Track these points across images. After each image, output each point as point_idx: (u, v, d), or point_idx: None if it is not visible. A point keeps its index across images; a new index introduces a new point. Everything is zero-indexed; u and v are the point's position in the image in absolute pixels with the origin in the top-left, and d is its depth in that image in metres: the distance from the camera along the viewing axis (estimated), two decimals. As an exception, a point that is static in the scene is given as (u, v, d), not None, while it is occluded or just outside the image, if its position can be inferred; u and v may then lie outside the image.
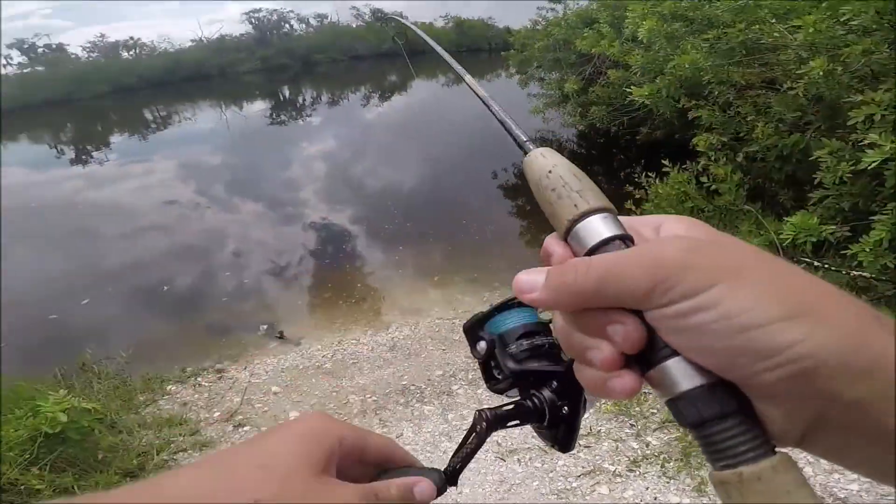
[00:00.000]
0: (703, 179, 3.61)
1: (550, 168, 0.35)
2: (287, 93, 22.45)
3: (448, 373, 3.52)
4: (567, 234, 0.32)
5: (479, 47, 27.72)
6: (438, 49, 0.77)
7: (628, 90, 4.09)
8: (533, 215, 6.83)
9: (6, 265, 6.80)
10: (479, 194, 7.71)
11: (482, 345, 0.38)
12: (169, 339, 4.63)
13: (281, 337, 4.38)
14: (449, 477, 0.37)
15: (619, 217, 0.32)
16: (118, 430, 2.89)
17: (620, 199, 5.28)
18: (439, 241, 6.11)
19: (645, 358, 0.27)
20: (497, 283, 4.83)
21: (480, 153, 9.57)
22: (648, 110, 4.82)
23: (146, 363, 4.03)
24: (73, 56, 29.04)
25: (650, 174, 3.96)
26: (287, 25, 32.18)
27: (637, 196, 4.01)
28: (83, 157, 13.75)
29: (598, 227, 0.30)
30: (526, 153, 0.40)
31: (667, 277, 0.25)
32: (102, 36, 30.19)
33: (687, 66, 3.57)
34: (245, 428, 3.08)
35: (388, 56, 27.66)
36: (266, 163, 10.80)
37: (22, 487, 2.07)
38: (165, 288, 5.62)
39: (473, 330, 0.40)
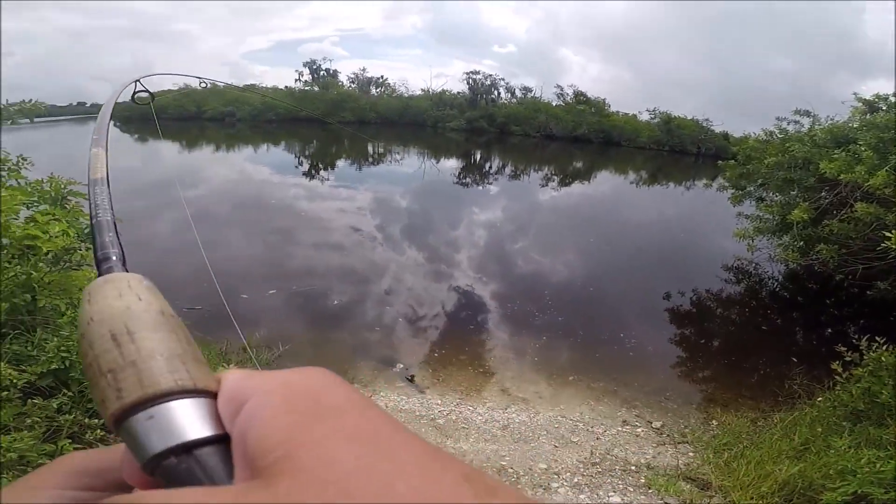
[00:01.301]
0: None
1: (84, 329, 0.23)
2: (478, 156, 24.37)
3: (553, 469, 3.30)
4: (115, 427, 0.21)
5: (684, 149, 25.88)
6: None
7: (885, 235, 3.33)
8: (697, 349, 6.12)
9: (227, 239, 8.58)
10: (643, 309, 7.11)
11: None
12: (321, 345, 5.24)
13: (411, 380, 4.61)
14: None
15: (231, 374, 0.22)
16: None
17: (823, 358, 4.48)
18: (588, 344, 5.79)
19: None
20: (638, 404, 4.46)
21: (656, 269, 8.95)
22: None
23: (294, 361, 4.60)
24: (341, 83, 35.65)
25: (878, 339, 3.22)
26: (496, 92, 34.64)
27: (848, 358, 3.32)
28: (313, 172, 16.80)
29: (146, 435, 0.20)
30: (100, 273, 0.30)
31: None
32: (364, 70, 37.16)
33: None
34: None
35: (579, 141, 28.10)
36: (439, 217, 11.75)
37: None
38: (332, 298, 6.37)
39: None
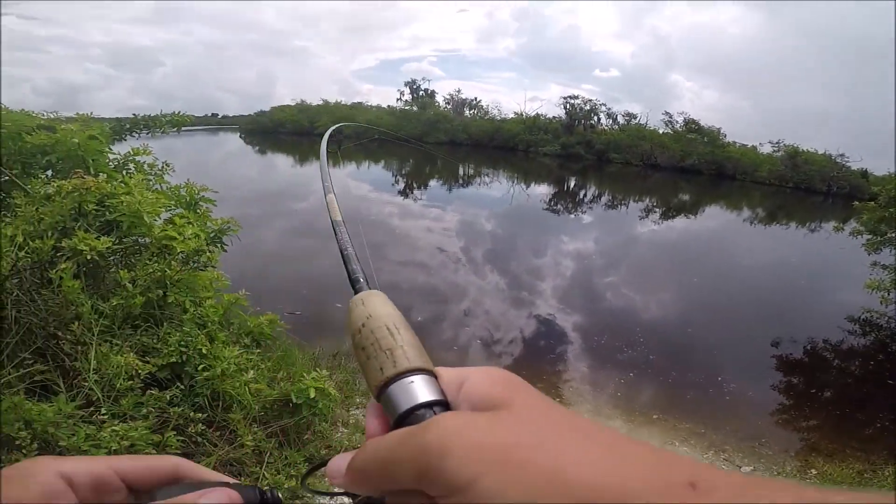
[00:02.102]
0: None
1: (363, 321, 0.33)
2: (572, 183, 23.77)
3: None
4: (378, 396, 0.30)
5: (812, 187, 22.80)
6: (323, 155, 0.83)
7: None
8: (804, 398, 5.49)
9: (325, 250, 9.20)
10: (747, 355, 6.51)
11: None
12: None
13: None
14: (264, 500, 0.35)
15: (441, 371, 0.30)
16: (326, 420, 3.42)
17: None
18: (679, 385, 5.45)
19: None
20: (728, 448, 4.13)
21: (766, 312, 8.24)
22: None
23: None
24: (437, 104, 37.35)
25: None
26: (596, 118, 33.02)
27: None
28: (407, 191, 17.56)
29: (407, 394, 0.29)
30: (356, 290, 0.39)
31: (429, 467, 0.24)
32: (459, 91, 38.45)
33: None
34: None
35: (687, 171, 26.07)
36: (524, 244, 11.61)
37: (240, 440, 2.63)
38: (414, 315, 6.59)
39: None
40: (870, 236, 7.25)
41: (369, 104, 38.39)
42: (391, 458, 0.26)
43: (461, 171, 24.77)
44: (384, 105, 38.10)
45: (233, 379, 2.82)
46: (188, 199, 3.72)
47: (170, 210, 3.47)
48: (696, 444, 4.17)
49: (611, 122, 32.87)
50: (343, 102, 37.51)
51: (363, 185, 17.69)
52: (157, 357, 2.71)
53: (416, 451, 0.24)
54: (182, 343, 2.79)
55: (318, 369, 3.08)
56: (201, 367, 2.77)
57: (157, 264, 3.08)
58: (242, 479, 2.56)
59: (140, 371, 2.51)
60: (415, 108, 35.99)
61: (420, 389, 0.29)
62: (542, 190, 20.88)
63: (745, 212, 19.12)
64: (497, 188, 20.08)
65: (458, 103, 37.72)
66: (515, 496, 0.21)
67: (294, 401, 2.82)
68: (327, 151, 0.94)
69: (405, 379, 0.29)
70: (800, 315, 8.18)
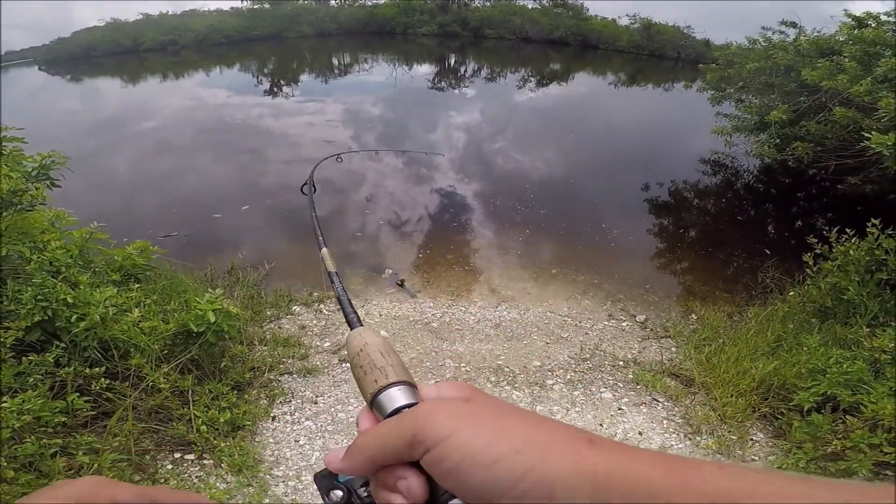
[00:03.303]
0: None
1: (361, 347, 0.41)
2: (452, 61, 22.75)
3: (546, 366, 3.34)
4: (371, 404, 0.37)
5: (663, 54, 24.49)
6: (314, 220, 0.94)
7: (864, 135, 3.44)
8: (675, 239, 6.17)
9: (194, 164, 8.08)
10: (623, 202, 7.11)
11: (337, 493, 0.39)
12: (307, 260, 4.93)
13: (401, 285, 4.47)
14: None
15: (420, 385, 0.38)
16: (239, 341, 3.19)
17: (794, 251, 4.59)
18: (570, 236, 5.78)
19: (433, 500, 0.31)
20: (622, 297, 4.49)
21: (635, 162, 8.91)
22: (870, 160, 4.10)
23: (282, 279, 4.43)
24: None
25: (847, 230, 3.27)
26: None
27: (818, 251, 3.38)
28: (275, 89, 15.49)
29: (394, 398, 0.36)
30: (351, 328, 0.47)
31: (419, 430, 0.30)
32: None
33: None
34: (346, 365, 3.21)
35: (556, 43, 26.43)
36: (415, 123, 11.12)
37: (149, 384, 2.30)
38: (322, 214, 6.09)
39: (327, 479, 0.40)
40: (713, 92, 8.12)
41: (207, 10, 31.22)
42: (389, 432, 0.32)
43: (336, 62, 22.24)
44: (226, 8, 31.33)
45: (118, 322, 2.42)
46: None
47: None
48: (595, 296, 4.45)
49: None
50: (171, 13, 30.11)
51: (219, 91, 15.03)
52: (16, 320, 2.22)
53: (409, 422, 0.31)
54: (39, 297, 2.28)
55: (211, 290, 2.77)
56: (74, 317, 2.32)
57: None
58: (174, 423, 2.33)
59: (2, 339, 2.05)
60: (266, 6, 30.68)
61: (405, 394, 0.37)
62: (425, 69, 19.58)
63: (609, 76, 20.02)
64: (378, 73, 18.36)
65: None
66: (481, 441, 0.29)
67: (194, 329, 2.53)
68: (315, 211, 0.99)
69: (393, 388, 0.37)
70: (662, 161, 8.98)
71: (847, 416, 2.32)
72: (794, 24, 7.00)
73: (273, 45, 25.84)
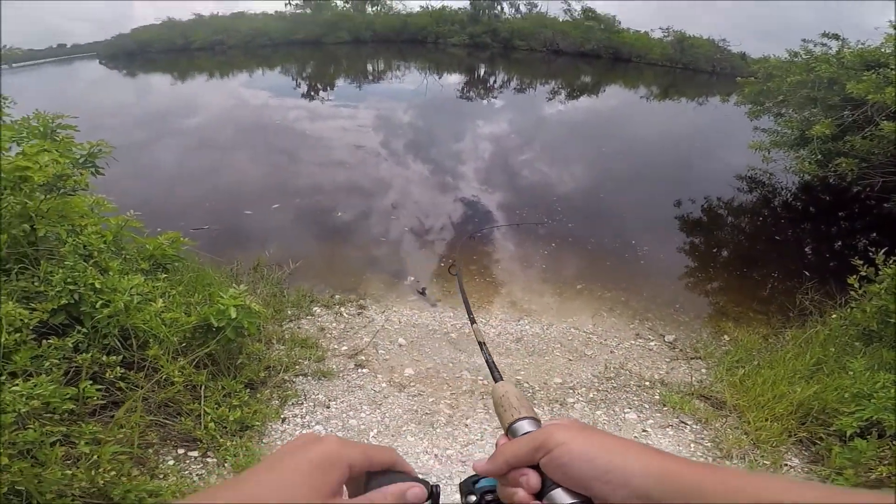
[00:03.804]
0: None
1: (503, 393, 0.55)
2: (482, 71, 22.75)
3: (568, 384, 3.19)
4: (507, 430, 0.51)
5: (698, 68, 24.15)
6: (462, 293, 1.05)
7: None
8: (708, 258, 5.89)
9: (231, 161, 8.25)
10: (654, 219, 6.84)
11: (472, 497, 0.51)
12: (332, 262, 4.97)
13: (423, 293, 4.39)
14: (432, 493, 0.47)
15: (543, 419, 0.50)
16: (257, 339, 3.16)
17: (835, 273, 4.39)
18: (597, 251, 5.59)
19: (542, 492, 0.43)
20: (650, 316, 4.28)
21: (667, 177, 8.63)
22: None
23: (305, 279, 4.39)
24: (334, 4, 32.71)
25: None
26: (499, 7, 32.05)
27: (864, 273, 3.18)
28: (311, 93, 15.78)
29: (524, 426, 0.50)
30: (496, 381, 0.60)
31: (544, 440, 0.43)
32: None
33: None
34: (364, 370, 3.12)
35: (587, 56, 26.20)
36: (443, 131, 11.10)
37: (163, 377, 2.26)
38: (339, 214, 6.12)
39: (466, 486, 0.52)
40: (751, 106, 7.87)
41: (254, 13, 32.38)
42: (522, 442, 0.45)
43: (370, 68, 22.59)
44: (271, 12, 32.41)
45: (141, 311, 2.41)
46: (42, 129, 3.21)
47: (21, 143, 3.03)
48: (622, 314, 4.26)
49: (514, 11, 32.78)
50: (221, 14, 31.34)
51: (260, 92, 15.38)
52: (44, 302, 2.22)
53: (537, 435, 0.45)
54: (69, 280, 2.28)
55: (235, 285, 2.74)
56: (100, 303, 2.33)
57: (12, 197, 2.46)
58: (182, 418, 2.31)
59: (27, 320, 2.05)
60: (308, 11, 31.54)
61: (531, 424, 0.50)
62: (455, 79, 19.64)
63: (640, 90, 19.66)
64: (410, 81, 18.56)
65: (359, 1, 33.77)
66: (584, 447, 0.41)
67: (215, 324, 2.49)
68: (463, 287, 1.11)
69: (524, 420, 0.50)
70: (696, 177, 8.70)
71: (894, 442, 2.17)
72: (836, 37, 6.75)
73: (312, 49, 26.49)
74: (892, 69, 4.79)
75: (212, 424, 2.26)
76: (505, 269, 5.05)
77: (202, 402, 2.34)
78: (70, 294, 2.27)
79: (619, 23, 28.94)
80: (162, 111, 12.63)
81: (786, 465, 2.49)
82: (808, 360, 3.06)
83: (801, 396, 2.69)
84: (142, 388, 2.20)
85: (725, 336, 4.00)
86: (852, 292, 3.22)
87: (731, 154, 8.90)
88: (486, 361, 0.69)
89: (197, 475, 2.15)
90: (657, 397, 3.04)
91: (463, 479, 0.53)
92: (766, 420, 2.67)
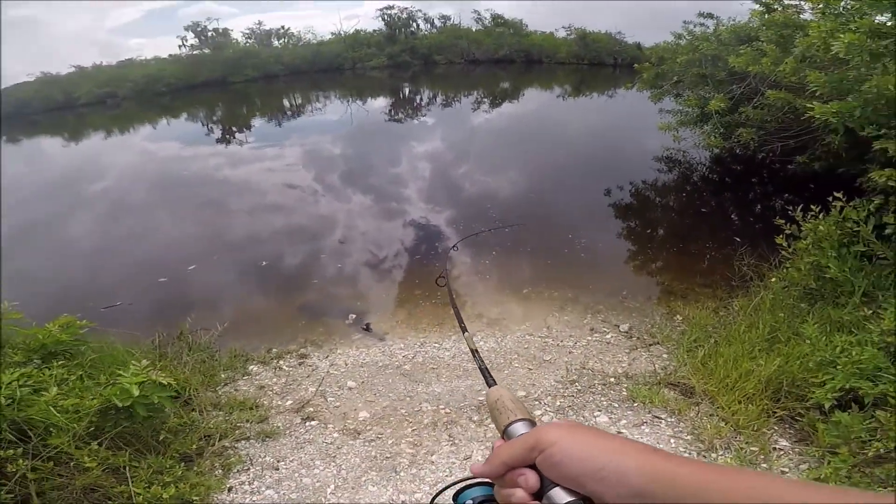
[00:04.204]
0: (888, 220, 2.80)
1: (498, 397, 0.57)
2: (407, 91, 22.98)
3: (532, 395, 3.09)
4: (503, 433, 0.53)
5: (601, 62, 25.74)
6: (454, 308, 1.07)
7: (808, 106, 3.43)
8: (644, 240, 6.09)
9: (147, 224, 7.65)
10: (587, 211, 7.03)
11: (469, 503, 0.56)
12: (264, 315, 4.66)
13: (367, 329, 4.19)
14: None
15: (536, 421, 0.53)
16: (191, 408, 2.83)
17: (763, 235, 4.53)
18: (538, 253, 5.60)
19: (540, 492, 0.44)
20: (601, 308, 4.29)
21: (593, 169, 9.01)
22: (811, 137, 4.24)
23: (237, 338, 4.07)
24: (235, 41, 31.43)
25: (812, 207, 3.21)
26: (414, 24, 32.41)
27: (788, 231, 3.30)
28: (227, 136, 15.14)
29: (519, 427, 0.52)
30: (489, 387, 0.63)
31: (538, 439, 0.44)
32: (260, 23, 32.65)
33: (892, 87, 2.73)
34: (313, 422, 2.88)
35: (501, 62, 27.30)
36: (378, 158, 10.98)
37: (72, 464, 1.98)
38: (264, 263, 5.77)
39: (459, 494, 0.59)
40: (652, 90, 8.29)
41: (143, 59, 30.53)
42: (517, 443, 0.47)
43: (287, 103, 22.14)
44: (164, 55, 30.68)
45: (31, 406, 2.09)
46: None
47: None
48: (573, 311, 4.26)
49: (429, 26, 33.28)
50: (106, 64, 29.35)
51: (169, 143, 14.53)
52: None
53: (531, 435, 0.46)
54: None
55: (136, 362, 2.44)
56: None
57: None
58: (111, 502, 2.00)
59: None
60: (206, 51, 30.38)
61: (525, 426, 0.52)
62: (380, 103, 19.57)
63: (555, 89, 20.68)
64: (333, 111, 18.25)
65: (263, 35, 32.77)
66: (578, 444, 0.42)
67: (119, 404, 2.19)
68: (452, 294, 1.11)
69: (519, 422, 0.52)
70: (619, 165, 9.11)
71: (877, 411, 2.10)
72: (711, 16, 7.26)
73: (219, 91, 25.45)
74: (762, 41, 5.15)
75: None
76: (466, 284, 4.97)
77: (130, 484, 2.03)
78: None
79: (527, 26, 30.43)
80: (60, 179, 11.62)
81: (774, 447, 2.44)
82: (762, 330, 3.08)
83: (767, 372, 2.66)
84: (62, 477, 1.87)
85: (678, 316, 4.07)
86: (783, 252, 3.35)
87: (645, 138, 9.43)
88: (479, 368, 0.71)
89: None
90: (624, 393, 3.00)
91: (458, 481, 0.58)
92: (740, 402, 2.65)
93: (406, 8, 32.07)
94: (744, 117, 5.46)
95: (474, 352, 0.78)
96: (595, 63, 25.70)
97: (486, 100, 18.33)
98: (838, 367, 2.31)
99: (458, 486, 0.60)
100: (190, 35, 30.83)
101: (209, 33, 31.00)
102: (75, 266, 6.24)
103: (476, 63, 28.02)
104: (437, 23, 32.98)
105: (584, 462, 0.41)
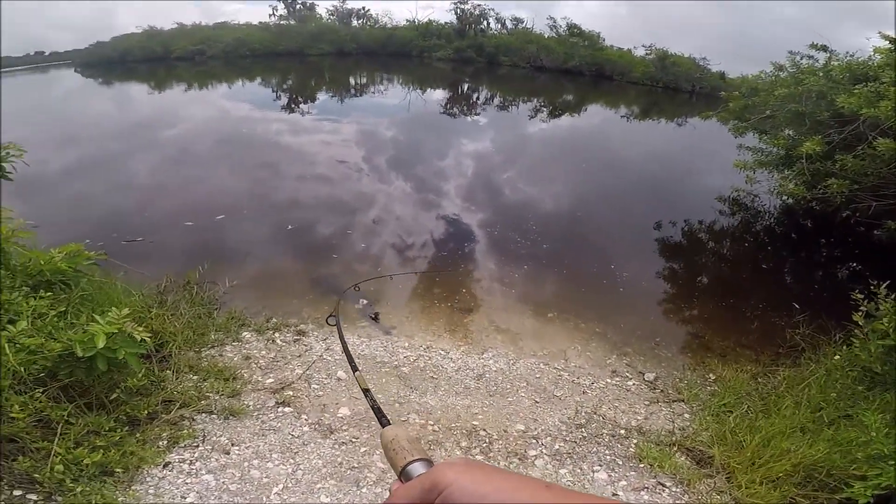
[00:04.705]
0: None
1: (393, 437, 0.55)
2: (465, 87, 22.65)
3: (531, 432, 2.73)
4: (400, 475, 0.51)
5: (678, 87, 24.13)
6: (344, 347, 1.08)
7: None
8: (690, 285, 5.49)
9: (200, 173, 7.74)
10: (634, 242, 6.42)
11: None
12: (274, 281, 4.48)
13: (375, 319, 3.94)
14: None
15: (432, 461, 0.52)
16: (167, 367, 2.64)
17: (830, 305, 4.02)
18: (573, 277, 5.13)
19: None
20: (629, 350, 3.86)
21: (647, 198, 8.28)
22: None
23: (241, 298, 3.91)
24: (318, 16, 32.54)
25: None
26: (485, 22, 31.97)
27: (864, 308, 2.81)
28: (293, 105, 15.36)
29: (416, 468, 0.50)
30: (383, 427, 0.61)
31: (435, 480, 0.42)
32: (344, 2, 33.58)
33: None
34: (287, 408, 2.62)
35: (570, 73, 26.32)
36: (427, 148, 10.78)
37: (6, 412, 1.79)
38: (290, 227, 5.64)
39: None
40: (736, 122, 7.48)
41: (237, 23, 31.77)
42: (415, 485, 0.44)
43: (353, 81, 22.32)
44: (255, 22, 31.68)
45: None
46: None
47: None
48: (598, 347, 3.84)
49: (499, 26, 32.62)
50: (204, 24, 31.04)
51: (241, 104, 14.93)
52: None
53: (427, 476, 0.44)
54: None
55: (116, 307, 2.24)
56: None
57: None
58: (20, 458, 1.80)
59: None
60: (292, 22, 31.39)
61: (423, 466, 0.50)
62: (439, 94, 19.36)
63: (622, 109, 19.69)
64: (393, 95, 18.20)
65: (344, 14, 33.56)
66: (474, 485, 0.40)
67: (79, 353, 2.00)
68: (344, 339, 1.12)
69: (416, 462, 0.51)
70: (676, 198, 8.36)
71: None
72: (824, 48, 6.32)
73: (295, 62, 26.12)
74: (883, 82, 4.45)
75: (59, 467, 1.78)
76: (473, 294, 4.60)
77: (56, 441, 1.83)
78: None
79: (604, 40, 29.15)
80: (136, 122, 12.10)
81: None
82: (807, 408, 2.66)
83: (808, 456, 2.26)
84: None
85: (711, 374, 3.59)
86: (856, 330, 2.83)
87: (711, 174, 8.69)
88: (372, 407, 0.70)
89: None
90: (632, 449, 2.60)
91: None
92: (761, 484, 2.24)
93: (479, 5, 31.74)
94: (838, 166, 4.71)
95: (366, 391, 0.76)
96: (671, 87, 24.26)
97: (545, 109, 17.69)
98: (892, 462, 1.94)
99: None
100: (280, 6, 32.09)
101: (297, 6, 32.05)
102: (121, 200, 6.34)
103: (541, 70, 27.15)
104: (509, 24, 32.41)
105: (482, 501, 0.40)
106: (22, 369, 1.84)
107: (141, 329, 2.14)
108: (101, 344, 1.96)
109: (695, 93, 23.34)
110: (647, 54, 26.57)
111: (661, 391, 3.30)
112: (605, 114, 18.62)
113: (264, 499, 1.99)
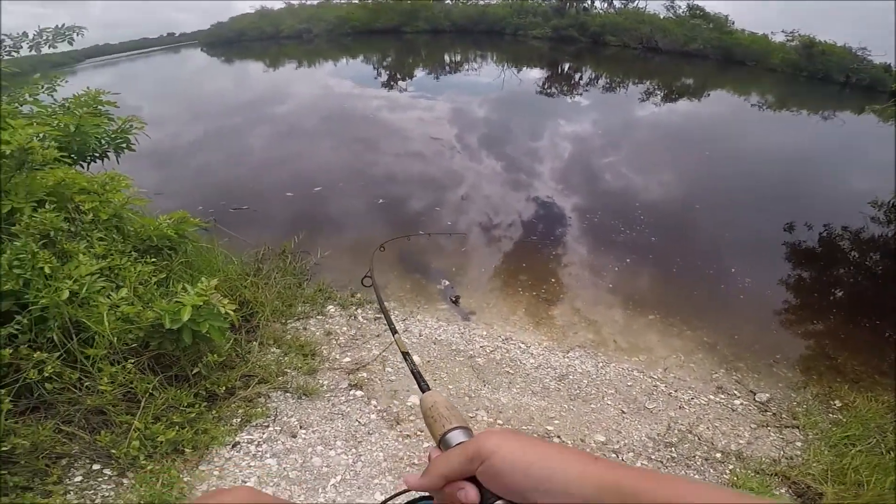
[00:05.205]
0: None
1: (432, 404, 0.52)
2: (566, 67, 21.21)
3: (612, 444, 2.42)
4: (439, 443, 0.48)
5: (829, 76, 20.27)
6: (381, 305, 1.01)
7: None
8: (824, 299, 4.58)
9: (306, 148, 8.12)
10: (760, 244, 5.50)
11: None
12: (362, 254, 4.44)
13: (455, 302, 3.79)
14: None
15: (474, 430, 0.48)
16: (252, 338, 2.70)
17: None
18: (683, 276, 4.53)
19: None
20: (741, 366, 3.31)
21: (777, 195, 7.04)
22: None
23: (330, 270, 3.96)
24: None
25: None
26: (589, 1, 29.60)
27: None
28: (391, 82, 15.62)
29: (456, 436, 0.46)
30: (423, 392, 0.57)
31: (477, 448, 0.40)
32: None
33: None
34: (358, 392, 2.57)
35: (691, 56, 23.48)
36: (520, 128, 10.28)
37: (86, 385, 1.86)
38: (381, 201, 5.69)
39: None
40: None
41: (339, 2, 33.50)
42: (456, 453, 0.41)
43: (447, 59, 22.09)
44: (355, 0, 33.40)
45: (91, 303, 2.03)
46: (91, 102, 3.23)
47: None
48: (704, 359, 3.32)
49: (605, 5, 29.80)
50: (308, 3, 32.96)
51: (345, 81, 15.59)
52: (-3, 284, 1.89)
53: (470, 444, 0.41)
54: (15, 263, 1.95)
55: (211, 276, 2.28)
56: (43, 291, 1.96)
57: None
58: (103, 433, 1.89)
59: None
60: (390, 0, 31.83)
61: (463, 434, 0.47)
62: (535, 74, 18.32)
63: (753, 97, 16.98)
64: (487, 73, 17.70)
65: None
66: (519, 454, 0.38)
67: (167, 325, 2.05)
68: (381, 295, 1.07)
69: (456, 430, 0.47)
70: (814, 200, 6.98)
71: None
72: None
73: (391, 39, 26.62)
74: None
75: (136, 443, 1.83)
76: (563, 285, 4.23)
77: (138, 415, 1.89)
78: (17, 279, 1.91)
79: (733, 23, 25.51)
80: (254, 98, 13.16)
81: None
82: None
83: None
84: (79, 391, 1.81)
85: (836, 402, 2.98)
86: None
87: (864, 176, 7.11)
88: (412, 372, 0.67)
89: (102, 496, 1.75)
90: (727, 476, 2.20)
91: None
92: None
93: (584, -18, 29.39)
94: None
95: (406, 355, 0.72)
96: (818, 77, 20.54)
97: (659, 92, 15.91)
98: None
99: (395, 502, 0.58)
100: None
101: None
102: (234, 170, 6.87)
103: (656, 51, 24.50)
104: (618, 3, 29.59)
105: (526, 472, 0.37)
106: (115, 339, 1.92)
107: (227, 302, 2.16)
108: (186, 317, 1.99)
109: (849, 84, 19.55)
110: (788, 41, 22.72)
111: (774, 414, 2.78)
112: (732, 100, 16.28)
113: (320, 490, 1.92)
